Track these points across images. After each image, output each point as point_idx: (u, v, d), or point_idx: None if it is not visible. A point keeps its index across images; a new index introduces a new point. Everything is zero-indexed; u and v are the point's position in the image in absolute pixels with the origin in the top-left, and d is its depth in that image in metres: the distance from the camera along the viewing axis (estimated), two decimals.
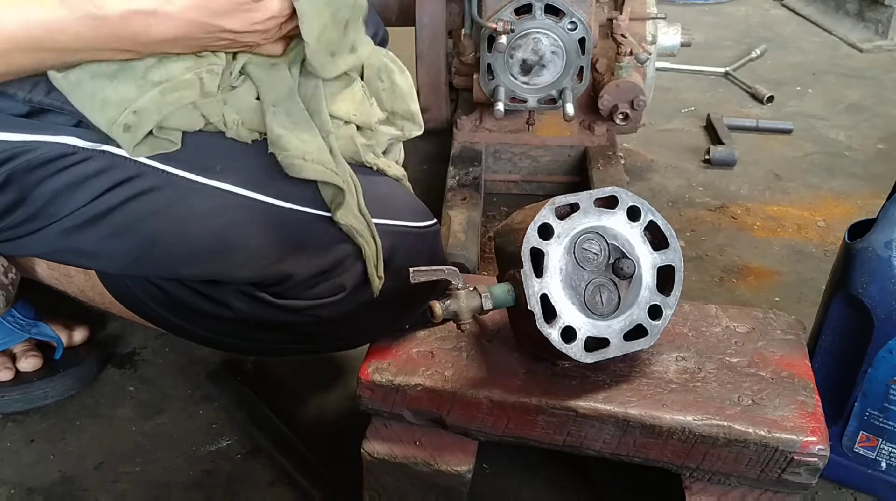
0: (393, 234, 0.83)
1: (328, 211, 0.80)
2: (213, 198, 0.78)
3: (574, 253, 0.73)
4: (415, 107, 0.91)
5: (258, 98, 0.79)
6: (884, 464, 0.92)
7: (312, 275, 0.80)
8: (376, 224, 0.82)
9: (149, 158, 0.76)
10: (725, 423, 0.72)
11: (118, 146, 0.75)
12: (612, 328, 0.74)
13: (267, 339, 0.87)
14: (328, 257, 0.80)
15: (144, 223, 0.77)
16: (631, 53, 1.39)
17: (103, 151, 0.75)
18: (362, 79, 0.87)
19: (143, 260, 0.79)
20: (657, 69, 1.62)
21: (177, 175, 0.77)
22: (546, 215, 0.73)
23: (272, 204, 0.79)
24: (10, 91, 0.74)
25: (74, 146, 0.74)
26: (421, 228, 0.87)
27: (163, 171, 0.76)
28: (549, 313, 0.72)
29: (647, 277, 0.75)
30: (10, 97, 0.74)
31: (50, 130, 0.74)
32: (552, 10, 1.30)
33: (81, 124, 0.75)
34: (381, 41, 1.37)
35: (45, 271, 0.96)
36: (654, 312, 0.75)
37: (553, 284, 0.72)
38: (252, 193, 0.79)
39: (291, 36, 0.78)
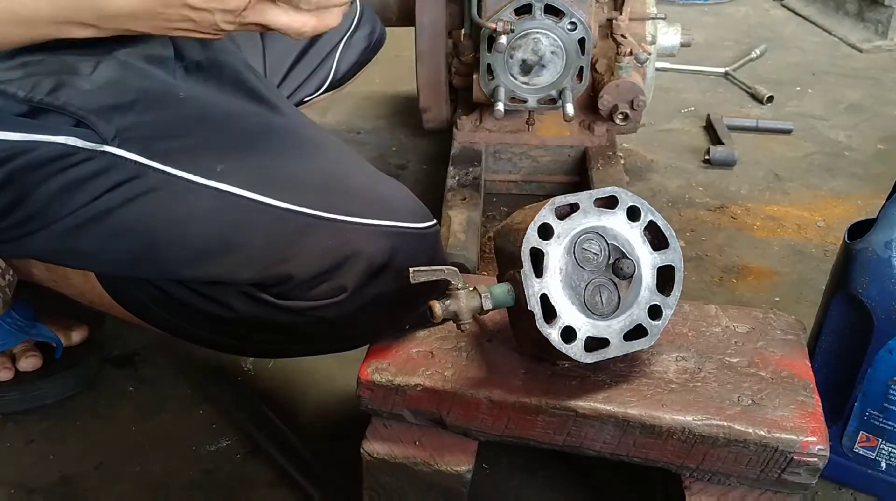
0: (393, 235, 0.83)
1: (328, 212, 0.81)
2: (214, 199, 0.78)
3: (574, 253, 0.73)
4: None
5: None
6: (884, 464, 0.92)
7: (313, 276, 0.80)
8: (376, 225, 0.82)
9: (149, 158, 0.76)
10: (725, 423, 0.72)
11: (119, 147, 0.75)
12: (612, 328, 0.74)
13: (268, 340, 0.87)
14: (329, 259, 0.80)
15: (144, 224, 0.77)
16: (631, 53, 1.39)
17: (104, 152, 0.75)
18: None
19: (143, 261, 0.79)
20: (657, 69, 1.62)
21: (177, 176, 0.77)
22: (546, 215, 0.73)
23: (273, 205, 0.79)
24: (10, 90, 0.74)
25: (75, 147, 0.74)
26: (421, 229, 0.87)
27: (163, 172, 0.76)
28: (549, 313, 0.72)
29: (647, 277, 0.75)
30: (10, 96, 0.74)
31: (50, 129, 0.74)
32: (552, 11, 1.30)
33: (82, 124, 0.75)
34: (378, 39, 1.38)
35: (44, 273, 0.96)
36: (654, 312, 0.75)
37: (553, 284, 0.72)
38: (253, 194, 0.79)
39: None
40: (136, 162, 0.75)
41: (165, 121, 0.80)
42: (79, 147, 0.74)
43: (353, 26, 1.29)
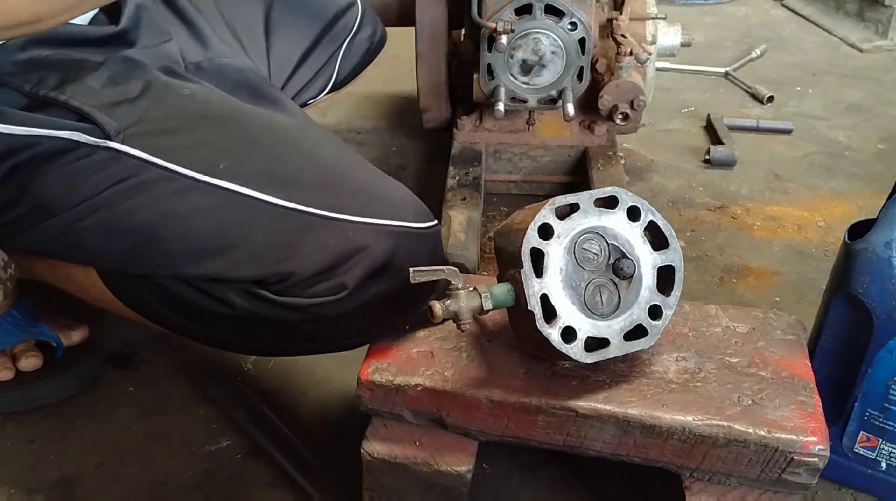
0: (395, 234, 0.83)
1: (331, 211, 0.81)
2: (216, 196, 0.78)
3: (574, 253, 0.73)
4: None
5: None
6: (884, 464, 0.92)
7: (313, 274, 0.80)
8: (378, 225, 0.82)
9: (152, 155, 0.76)
10: (725, 423, 0.72)
11: (123, 143, 0.76)
12: (612, 328, 0.74)
13: (268, 337, 0.87)
14: (331, 257, 0.80)
15: (146, 220, 0.77)
16: (631, 53, 1.39)
17: (108, 148, 0.76)
18: None
19: (144, 257, 0.80)
20: (657, 69, 1.62)
21: (180, 173, 0.77)
22: (546, 215, 0.73)
23: (275, 203, 0.79)
24: (16, 83, 0.75)
25: (78, 142, 0.75)
26: (423, 228, 0.87)
27: (166, 168, 0.77)
28: (549, 313, 0.72)
29: (647, 277, 0.75)
30: (15, 90, 0.74)
31: (54, 124, 0.75)
32: (552, 11, 1.30)
33: (85, 120, 0.75)
34: (379, 41, 1.39)
35: (45, 270, 0.96)
36: (654, 312, 0.75)
37: (553, 284, 0.72)
38: (255, 192, 0.79)
39: None
40: (138, 158, 0.76)
41: (169, 117, 0.81)
42: (82, 142, 0.75)
43: (355, 28, 1.31)
